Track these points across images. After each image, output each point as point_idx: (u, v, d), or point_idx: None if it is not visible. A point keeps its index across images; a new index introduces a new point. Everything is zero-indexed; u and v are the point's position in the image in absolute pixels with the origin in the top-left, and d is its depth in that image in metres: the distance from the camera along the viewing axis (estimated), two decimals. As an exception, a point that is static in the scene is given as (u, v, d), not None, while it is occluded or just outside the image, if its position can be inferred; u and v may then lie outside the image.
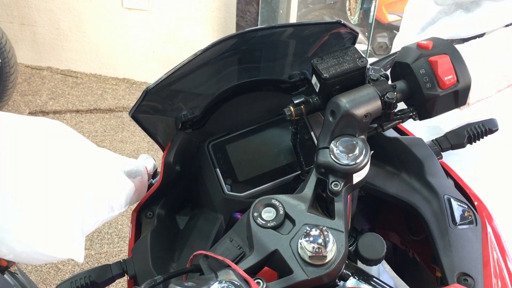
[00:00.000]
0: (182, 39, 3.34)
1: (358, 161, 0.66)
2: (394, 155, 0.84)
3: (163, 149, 0.88)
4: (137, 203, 0.86)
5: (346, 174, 0.66)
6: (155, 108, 0.86)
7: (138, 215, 0.85)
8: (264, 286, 0.60)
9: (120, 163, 0.82)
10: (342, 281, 0.68)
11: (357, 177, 0.67)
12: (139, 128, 0.85)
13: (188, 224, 0.88)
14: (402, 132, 0.90)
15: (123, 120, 3.18)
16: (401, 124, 0.79)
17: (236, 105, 0.90)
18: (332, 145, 0.68)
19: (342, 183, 0.67)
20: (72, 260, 2.42)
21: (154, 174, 0.95)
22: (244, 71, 0.90)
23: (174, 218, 0.89)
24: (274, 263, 0.63)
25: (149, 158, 0.94)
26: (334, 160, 0.67)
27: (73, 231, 0.66)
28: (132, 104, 0.79)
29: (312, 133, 0.88)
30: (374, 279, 0.71)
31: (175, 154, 0.82)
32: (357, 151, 0.67)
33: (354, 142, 0.67)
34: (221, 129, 0.88)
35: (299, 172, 0.87)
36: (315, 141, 0.87)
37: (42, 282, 2.09)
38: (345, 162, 0.66)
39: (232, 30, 3.17)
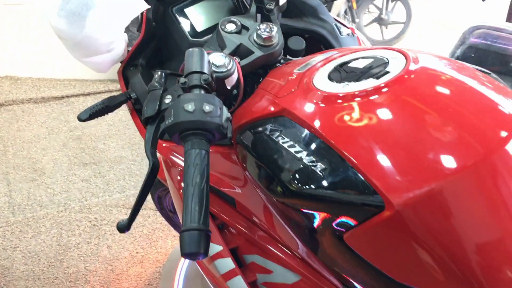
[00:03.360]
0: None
1: None
2: (295, 9, 1.24)
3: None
4: (121, 63, 1.14)
5: None
6: None
7: (124, 71, 1.13)
8: (238, 60, 0.96)
9: None
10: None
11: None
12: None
13: None
14: None
15: (15, 112, 3.20)
16: None
17: None
18: None
19: (274, 3, 1.05)
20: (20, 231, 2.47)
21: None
22: None
23: (151, 72, 1.18)
24: (240, 53, 0.98)
25: None
26: None
27: None
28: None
29: None
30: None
31: (152, 12, 1.12)
32: None
33: None
34: None
35: None
36: (246, 3, 1.24)
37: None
38: None
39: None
